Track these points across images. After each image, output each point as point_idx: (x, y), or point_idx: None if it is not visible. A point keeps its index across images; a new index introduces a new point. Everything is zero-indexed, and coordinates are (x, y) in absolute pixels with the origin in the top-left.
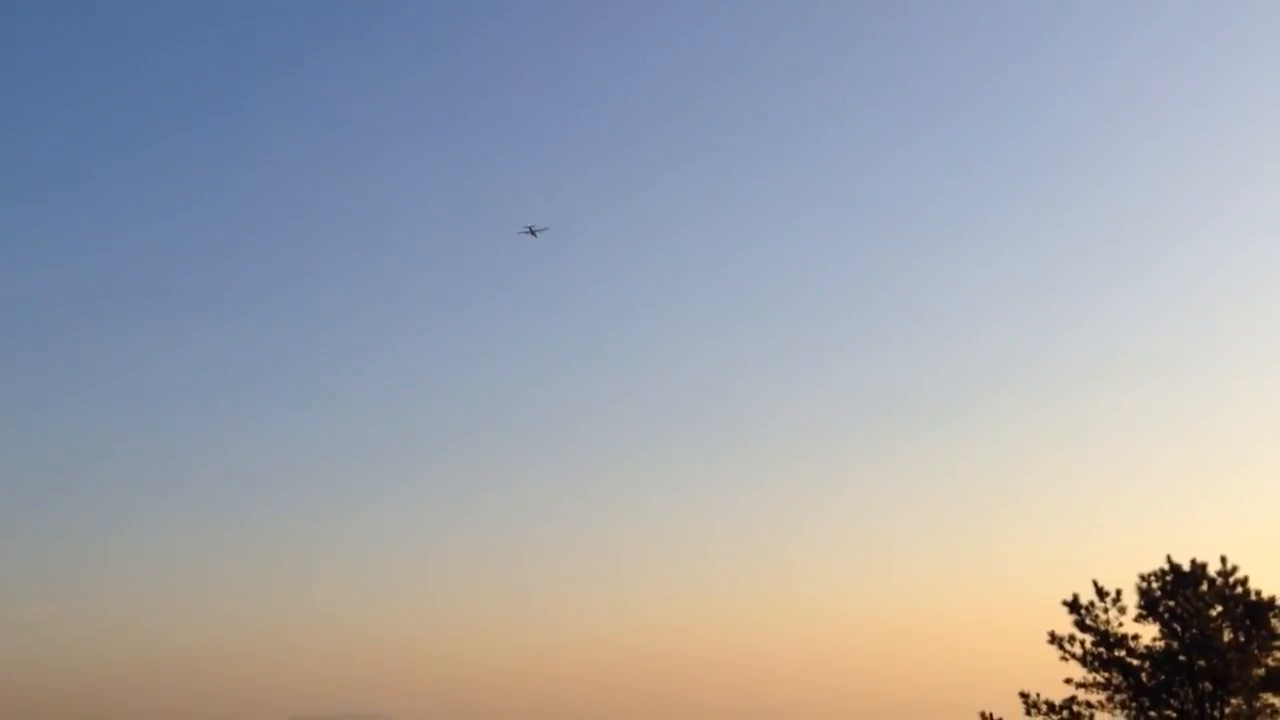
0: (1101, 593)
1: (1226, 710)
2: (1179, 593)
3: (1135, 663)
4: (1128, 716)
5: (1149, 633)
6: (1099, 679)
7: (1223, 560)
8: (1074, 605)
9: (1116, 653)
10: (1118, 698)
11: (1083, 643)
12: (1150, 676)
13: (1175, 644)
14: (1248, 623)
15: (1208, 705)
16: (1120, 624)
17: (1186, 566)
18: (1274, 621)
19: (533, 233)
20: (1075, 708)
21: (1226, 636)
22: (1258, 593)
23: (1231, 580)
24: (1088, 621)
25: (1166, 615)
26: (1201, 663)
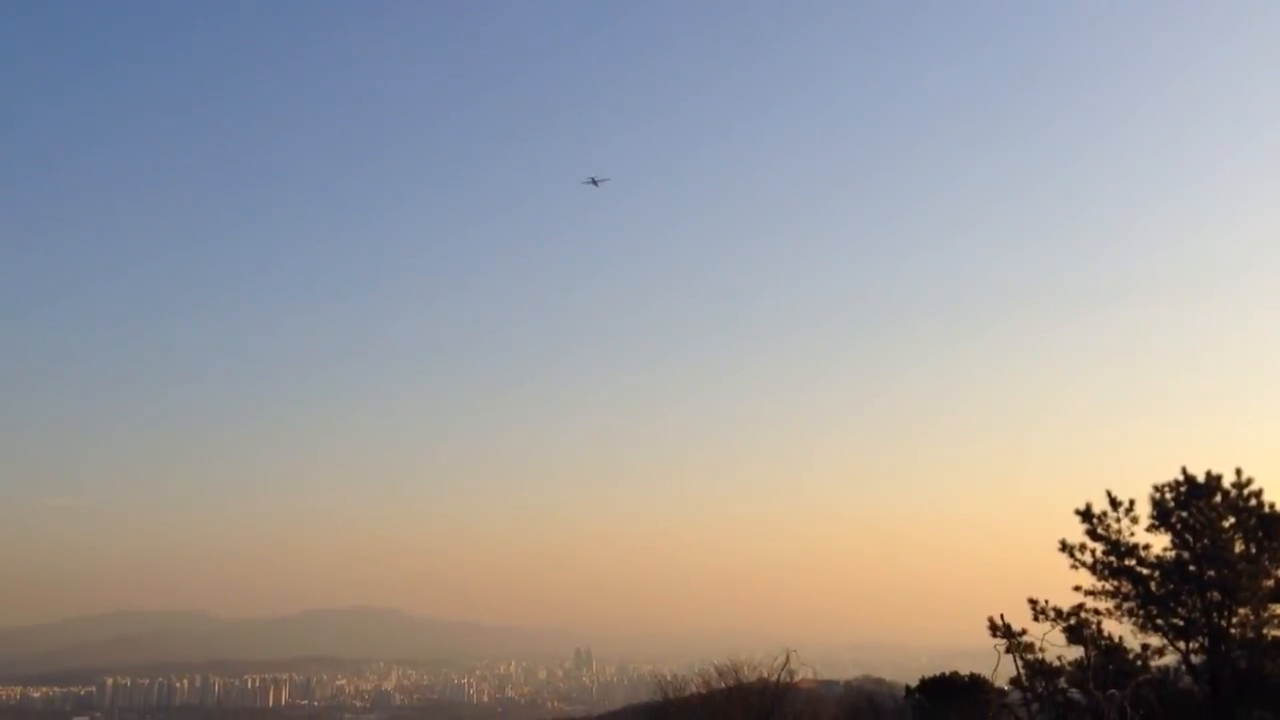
0: (1114, 502)
1: (1234, 620)
2: (1192, 504)
3: (1145, 572)
4: (1135, 624)
5: (1160, 543)
6: (1108, 587)
7: (1237, 472)
8: (1086, 514)
9: (1126, 561)
10: (1125, 606)
11: (1093, 551)
12: (1159, 585)
13: (1186, 554)
14: (1260, 534)
15: (1215, 615)
16: (1132, 534)
17: (1201, 478)
18: None
19: (594, 183)
20: (1083, 615)
21: (1238, 548)
22: (1271, 505)
23: (1245, 492)
24: (1099, 530)
25: (1178, 526)
26: (1211, 573)
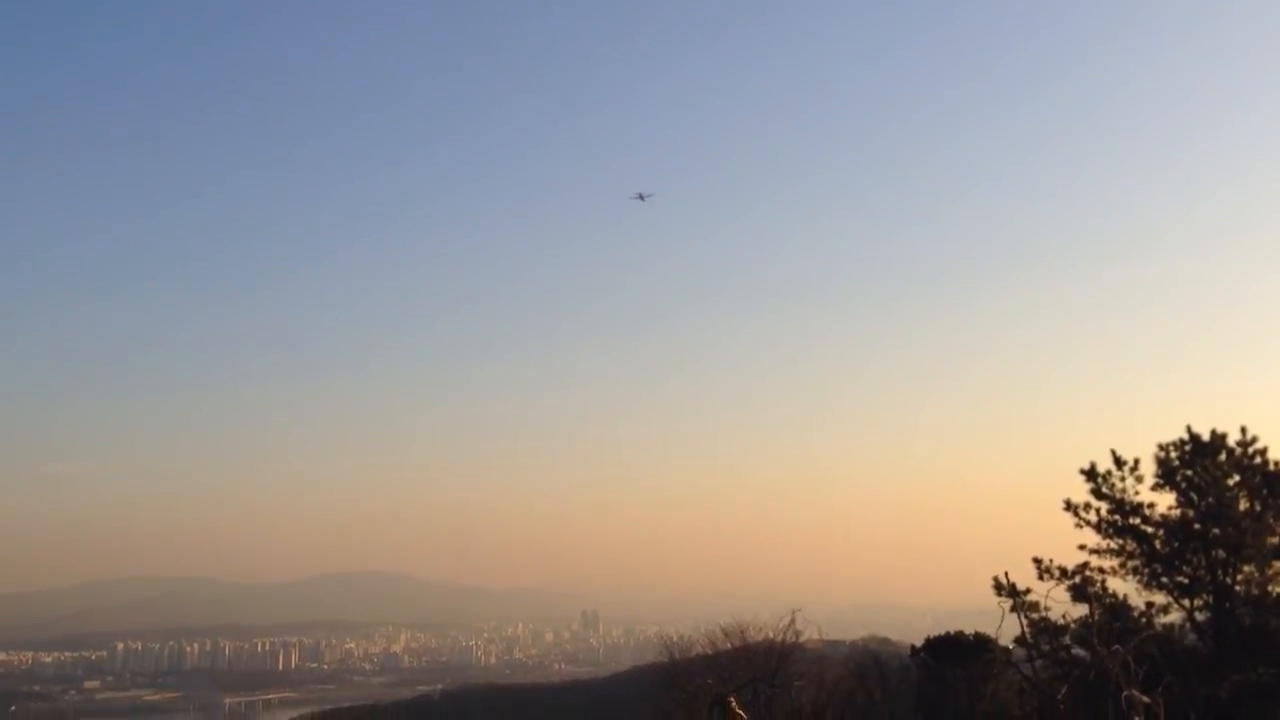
0: (1119, 461)
1: (1239, 578)
2: (1197, 462)
3: (1150, 530)
4: (1139, 582)
5: (1165, 501)
6: (1112, 546)
7: (1242, 431)
8: (1091, 473)
9: (1131, 520)
10: (1130, 564)
11: (1098, 510)
12: (1164, 544)
13: (1191, 512)
14: (1264, 492)
15: (1220, 572)
16: (1137, 492)
17: (1206, 437)
18: None
19: (641, 198)
20: (1088, 573)
21: (1243, 505)
22: (1276, 463)
23: (1250, 451)
24: (1104, 490)
25: (1183, 484)
26: (1216, 531)
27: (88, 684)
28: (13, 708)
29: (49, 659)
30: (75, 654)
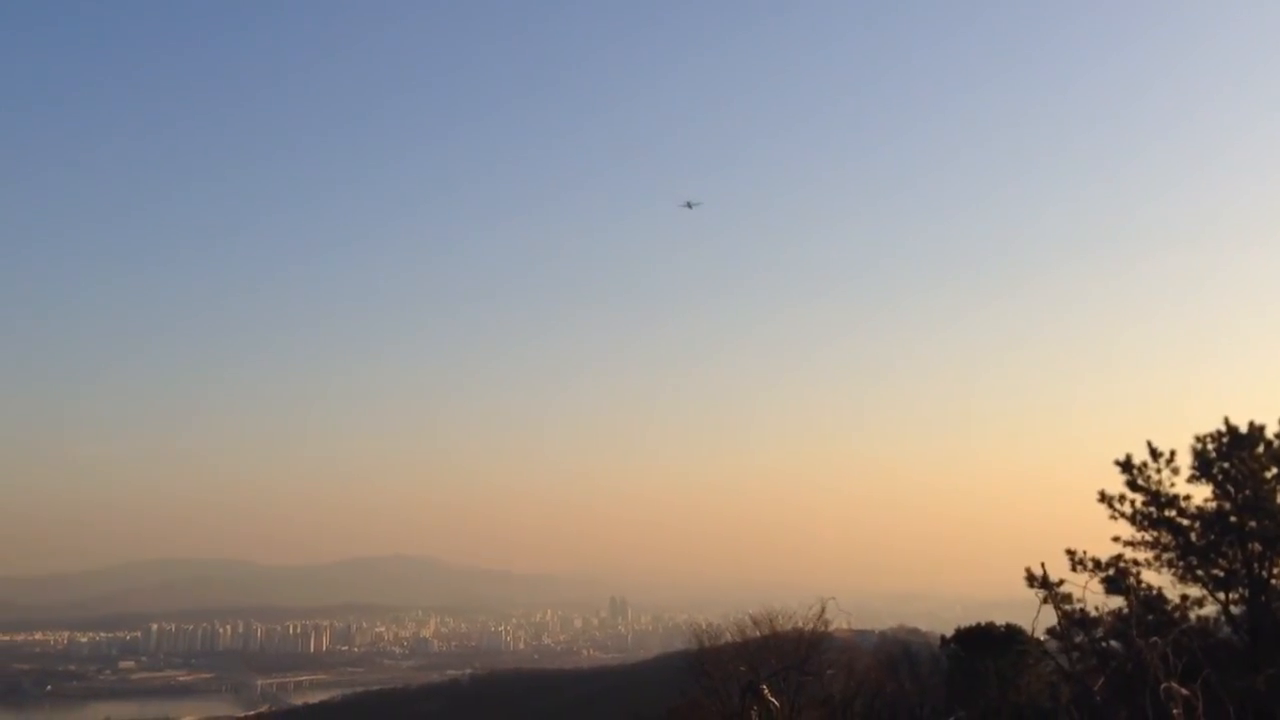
0: (1155, 453)
1: (1275, 571)
2: (1234, 454)
3: (1185, 522)
4: (1174, 575)
5: (1201, 493)
6: (1147, 538)
7: None
8: (1126, 465)
9: (1166, 512)
10: (1165, 556)
11: (1133, 502)
12: (1200, 536)
13: (1227, 505)
14: None
15: (1256, 565)
16: (1172, 484)
17: (1244, 429)
18: None
19: (690, 206)
20: (1122, 565)
21: None
22: None
23: None
24: (1139, 481)
25: (1220, 476)
26: (1253, 524)
27: (122, 664)
28: (49, 687)
29: (84, 639)
30: (110, 634)
